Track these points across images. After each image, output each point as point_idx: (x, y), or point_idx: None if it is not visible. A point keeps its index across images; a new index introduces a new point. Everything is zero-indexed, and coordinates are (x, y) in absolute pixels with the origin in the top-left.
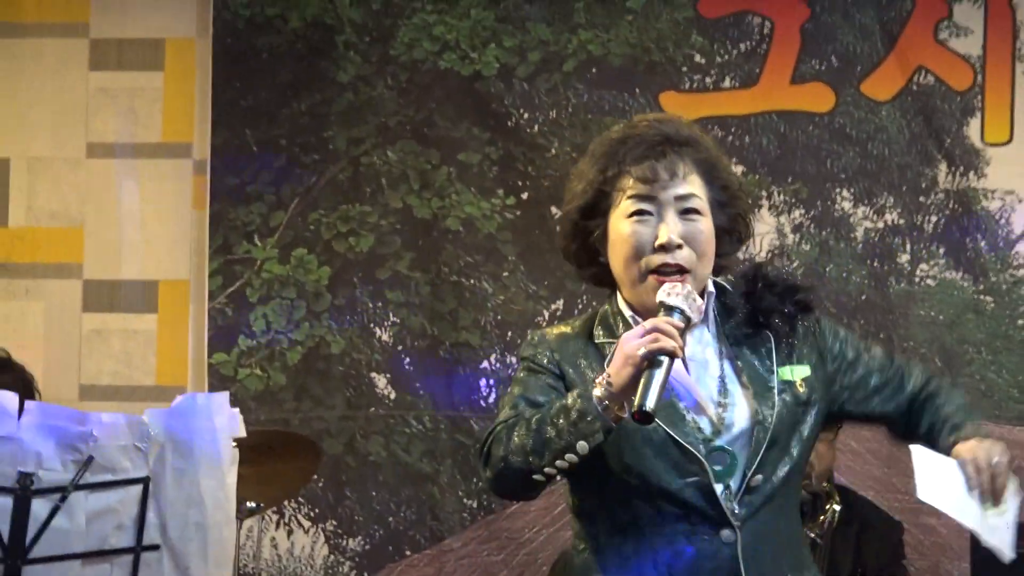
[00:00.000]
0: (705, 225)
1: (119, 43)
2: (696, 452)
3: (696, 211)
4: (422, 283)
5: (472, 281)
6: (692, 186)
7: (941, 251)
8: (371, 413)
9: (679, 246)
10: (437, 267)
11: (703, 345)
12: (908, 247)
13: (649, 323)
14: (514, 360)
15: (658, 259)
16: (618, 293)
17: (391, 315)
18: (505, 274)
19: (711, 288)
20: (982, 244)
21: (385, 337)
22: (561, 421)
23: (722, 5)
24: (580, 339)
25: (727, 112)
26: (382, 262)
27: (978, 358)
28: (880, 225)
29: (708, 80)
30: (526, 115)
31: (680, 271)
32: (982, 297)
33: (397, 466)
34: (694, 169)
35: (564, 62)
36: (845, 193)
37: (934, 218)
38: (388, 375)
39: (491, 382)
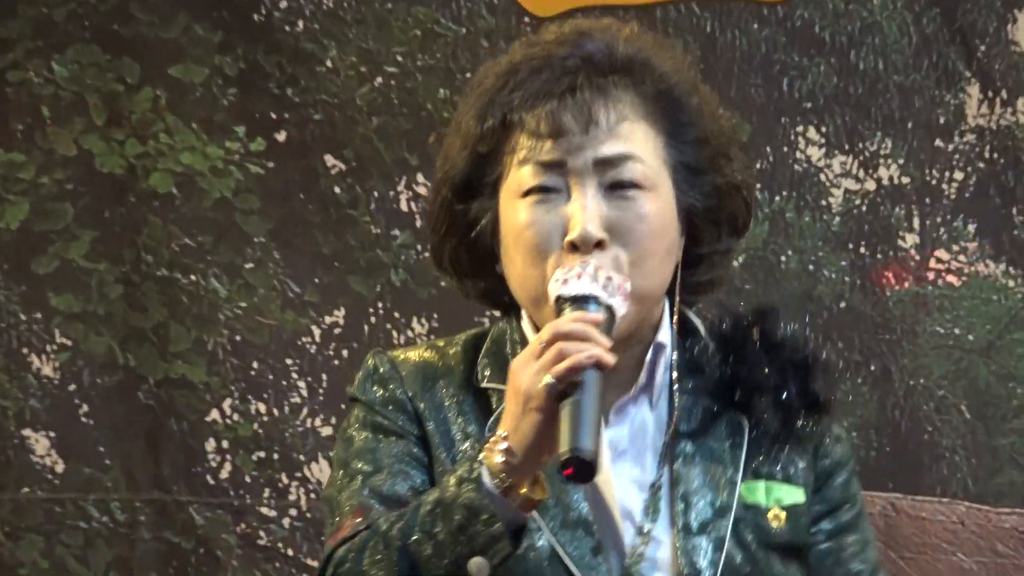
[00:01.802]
0: (652, 206)
1: None
2: None
3: (634, 183)
4: (110, 281)
5: (193, 278)
6: (630, 141)
7: (971, 228)
8: (24, 497)
9: (599, 243)
10: (135, 254)
11: (638, 425)
12: (916, 222)
13: (544, 332)
14: (263, 411)
15: (569, 265)
16: (523, 314)
17: (57, 334)
18: (249, 266)
19: (663, 338)
20: None
21: (47, 370)
22: (439, 529)
23: None
24: (453, 377)
25: None
26: (42, 246)
27: None
28: (870, 186)
29: None
30: (284, 3)
31: None
32: None
33: None
34: (636, 112)
35: None
36: (812, 133)
37: (959, 175)
38: (52, 434)
39: (224, 445)
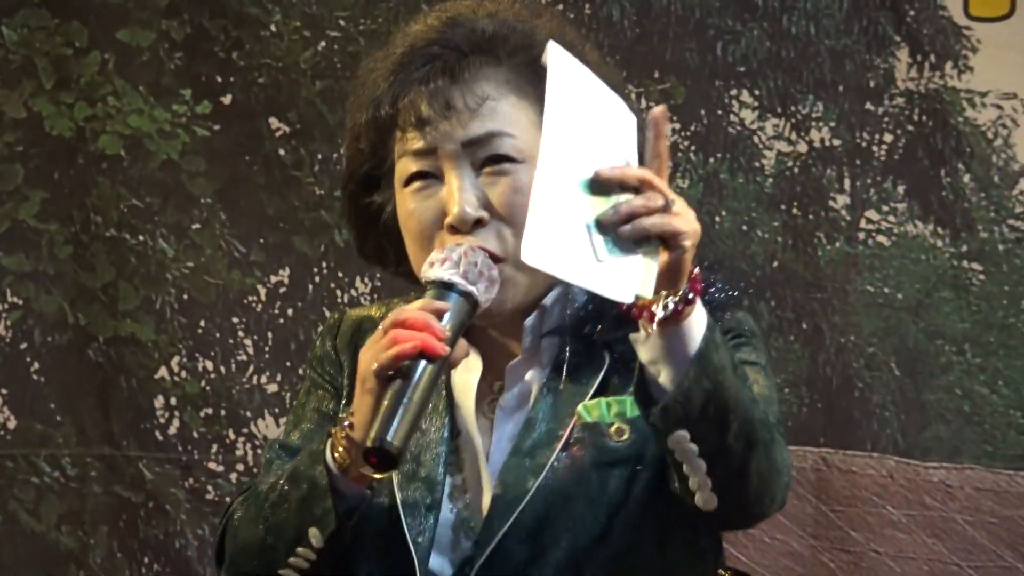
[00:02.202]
0: (527, 176)
1: None
2: (415, 559)
3: (506, 157)
4: (59, 241)
5: (142, 238)
6: (495, 118)
7: (900, 190)
8: None
9: (479, 221)
10: (84, 215)
11: (526, 384)
12: (847, 184)
13: (388, 317)
14: (210, 368)
15: (440, 249)
16: None
17: (8, 293)
18: (196, 226)
19: (546, 300)
20: (965, 179)
21: None
22: (290, 497)
23: None
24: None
25: None
26: None
27: (959, 362)
28: (802, 148)
29: None
30: None
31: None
32: (966, 264)
33: (19, 538)
34: (500, 88)
35: None
36: (746, 96)
37: (889, 137)
38: (4, 391)
39: (173, 402)
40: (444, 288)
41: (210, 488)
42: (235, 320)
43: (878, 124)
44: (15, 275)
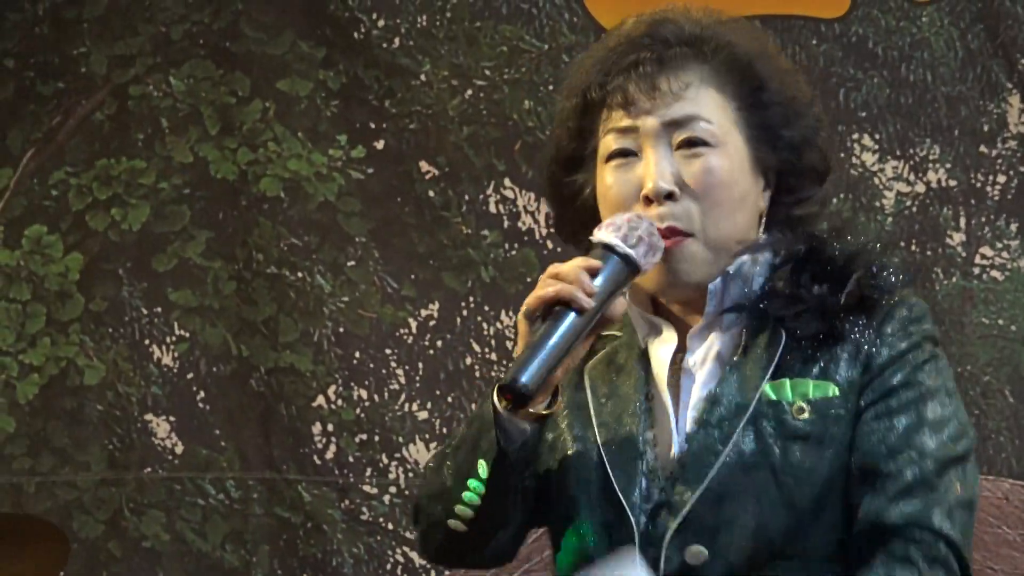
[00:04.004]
0: (719, 162)
1: None
2: (627, 506)
3: (701, 140)
4: (223, 277)
5: (300, 275)
6: (694, 103)
7: (1013, 228)
8: (146, 476)
9: (670, 195)
10: (247, 253)
11: (708, 348)
12: (963, 222)
13: (549, 269)
14: (364, 397)
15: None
16: None
17: (176, 326)
18: (351, 264)
19: (744, 258)
20: None
21: (167, 360)
22: (467, 436)
23: None
24: None
25: None
26: (162, 246)
27: None
28: (920, 189)
29: None
30: (381, 22)
31: (673, 233)
32: None
33: (186, 556)
34: (704, 80)
35: None
36: (867, 140)
37: (1002, 178)
38: (172, 418)
39: (330, 428)
40: (605, 250)
41: (364, 510)
42: (388, 351)
43: (992, 166)
44: (182, 309)
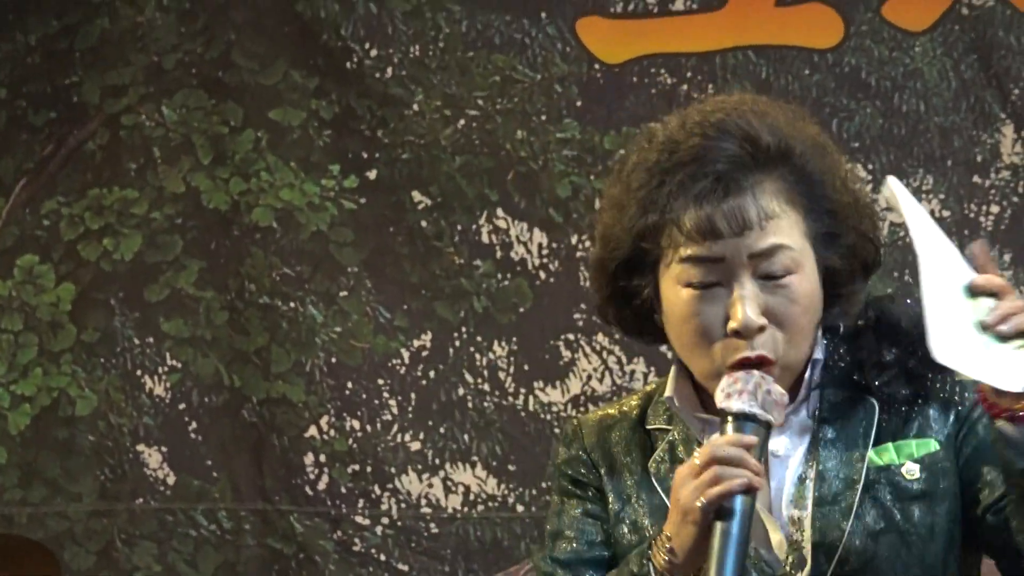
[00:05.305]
0: (801, 287)
1: None
2: None
3: (787, 271)
4: (216, 308)
5: (293, 305)
6: (778, 233)
7: (1007, 258)
8: (138, 507)
9: (761, 328)
10: (239, 283)
11: (792, 434)
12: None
13: (704, 453)
14: (356, 427)
15: (733, 349)
16: (672, 368)
17: (168, 357)
18: (343, 294)
19: (818, 355)
20: None
21: (159, 390)
22: None
23: None
24: (626, 422)
25: (680, 48)
26: (154, 275)
27: None
28: None
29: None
30: (374, 51)
31: (761, 363)
32: None
33: None
34: (783, 200)
35: None
36: (860, 170)
37: (996, 208)
38: (164, 449)
39: (322, 459)
40: (745, 419)
41: (357, 540)
42: (380, 382)
43: (985, 196)
44: (174, 340)
